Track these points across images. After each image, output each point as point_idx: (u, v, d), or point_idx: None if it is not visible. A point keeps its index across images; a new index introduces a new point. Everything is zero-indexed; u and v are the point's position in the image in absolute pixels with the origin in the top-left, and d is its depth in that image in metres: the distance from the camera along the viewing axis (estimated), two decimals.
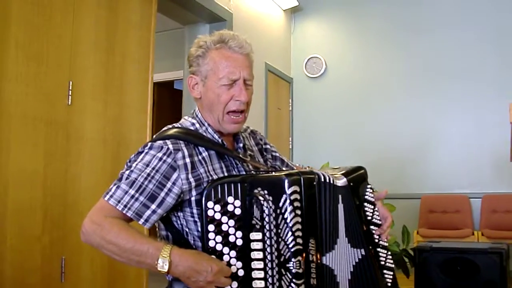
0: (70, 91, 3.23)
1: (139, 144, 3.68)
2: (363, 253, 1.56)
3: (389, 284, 1.63)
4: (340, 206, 1.51)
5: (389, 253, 1.65)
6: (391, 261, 1.65)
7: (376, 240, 1.62)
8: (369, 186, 1.66)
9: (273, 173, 1.45)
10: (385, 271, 1.63)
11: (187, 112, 5.17)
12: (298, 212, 1.36)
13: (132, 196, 1.40)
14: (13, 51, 2.89)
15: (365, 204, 1.63)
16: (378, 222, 1.65)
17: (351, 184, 1.57)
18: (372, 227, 1.63)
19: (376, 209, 1.65)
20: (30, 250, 2.95)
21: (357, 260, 1.54)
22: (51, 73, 3.12)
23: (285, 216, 1.35)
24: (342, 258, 1.49)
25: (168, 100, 7.12)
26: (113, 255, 1.37)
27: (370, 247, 1.59)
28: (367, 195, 1.64)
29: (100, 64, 3.51)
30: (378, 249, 1.62)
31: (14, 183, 2.86)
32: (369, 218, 1.62)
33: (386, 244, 1.65)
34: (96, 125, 3.46)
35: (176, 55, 6.31)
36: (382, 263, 1.62)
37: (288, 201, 1.35)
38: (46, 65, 3.09)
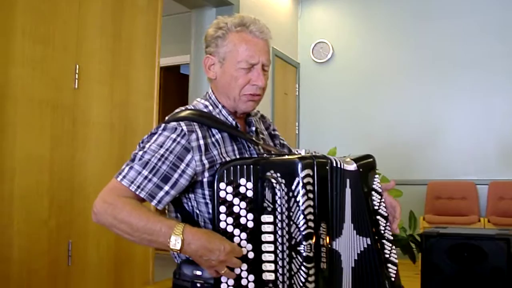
0: (76, 75, 3.22)
1: (145, 128, 3.69)
2: (369, 242, 1.53)
3: (393, 279, 1.59)
4: (348, 191, 1.49)
5: (394, 247, 1.62)
6: (395, 256, 1.61)
7: (382, 231, 1.59)
8: (376, 176, 1.63)
9: (286, 156, 1.43)
10: (389, 265, 1.59)
11: (194, 97, 5.17)
12: (311, 195, 1.35)
13: (146, 177, 1.39)
14: (20, 35, 2.88)
15: (373, 193, 1.60)
16: (384, 213, 1.62)
17: (361, 170, 1.55)
18: (378, 217, 1.60)
19: (383, 200, 1.62)
20: (37, 234, 2.96)
21: (362, 249, 1.52)
22: (57, 57, 3.10)
23: (297, 199, 1.33)
24: (348, 244, 1.48)
25: (174, 85, 7.10)
26: (125, 235, 1.36)
27: (376, 237, 1.56)
28: (375, 184, 1.62)
29: (107, 48, 3.49)
30: (384, 241, 1.59)
31: (20, 168, 2.86)
32: (376, 207, 1.60)
33: (391, 237, 1.61)
34: (103, 109, 3.45)
35: (183, 39, 6.28)
36: (387, 256, 1.59)
37: (301, 184, 1.34)
38: (53, 49, 3.07)
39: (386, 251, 1.59)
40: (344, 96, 6.79)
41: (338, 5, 6.97)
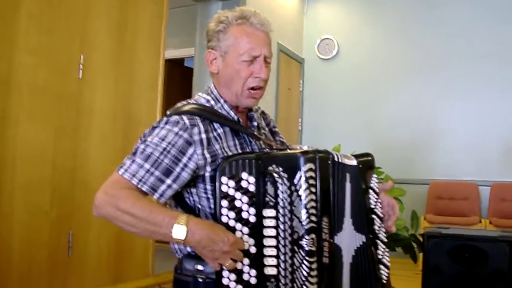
0: (81, 65, 3.21)
1: (149, 120, 3.68)
2: (364, 240, 1.53)
3: (384, 281, 1.57)
4: (348, 185, 1.49)
5: (387, 250, 1.61)
6: (388, 259, 1.60)
7: (377, 231, 1.58)
8: (374, 175, 1.62)
9: (288, 151, 1.43)
10: (381, 267, 1.58)
11: (198, 90, 5.16)
12: (313, 189, 1.34)
13: (148, 171, 1.38)
14: (25, 22, 2.86)
15: (370, 191, 1.59)
16: (380, 214, 1.61)
17: (360, 166, 1.55)
18: (374, 216, 1.58)
19: (380, 200, 1.62)
20: (38, 224, 2.95)
21: (358, 246, 1.52)
22: (62, 46, 3.09)
23: (300, 194, 1.33)
24: (347, 239, 1.48)
25: (178, 78, 7.09)
26: (128, 226, 1.35)
27: (371, 236, 1.55)
28: (372, 183, 1.61)
29: (112, 38, 3.48)
30: (378, 241, 1.58)
31: (22, 156, 2.85)
32: (372, 206, 1.59)
33: (385, 239, 1.61)
34: (107, 100, 3.44)
35: (188, 32, 6.26)
36: (380, 257, 1.58)
37: (303, 178, 1.33)
38: (58, 38, 3.06)
39: (379, 251, 1.58)
40: (348, 93, 6.77)
41: (344, 1, 6.95)
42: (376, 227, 1.58)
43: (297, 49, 6.94)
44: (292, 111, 6.82)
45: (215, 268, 1.33)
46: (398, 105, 6.44)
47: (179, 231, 1.29)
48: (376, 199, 1.60)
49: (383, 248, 1.59)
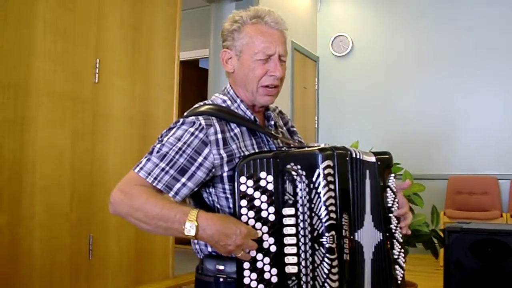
0: (97, 69, 3.23)
1: (165, 122, 3.70)
2: (381, 237, 1.52)
3: (399, 282, 1.57)
4: (367, 182, 1.49)
5: (403, 250, 1.60)
6: (404, 260, 1.59)
7: (393, 231, 1.58)
8: (392, 175, 1.61)
9: (306, 148, 1.43)
10: (397, 267, 1.57)
11: (213, 91, 5.17)
12: (332, 186, 1.34)
13: (163, 169, 1.40)
14: (41, 28, 2.89)
15: (388, 190, 1.59)
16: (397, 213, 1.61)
17: (379, 163, 1.54)
18: (391, 215, 1.58)
19: (397, 200, 1.61)
20: (58, 227, 2.98)
21: (377, 242, 1.51)
22: (78, 51, 3.12)
23: (319, 191, 1.32)
24: (368, 236, 1.47)
25: (193, 79, 7.11)
26: (141, 223, 1.36)
27: (387, 234, 1.55)
28: (390, 182, 1.60)
29: (127, 41, 3.50)
30: (394, 241, 1.57)
31: (42, 161, 2.88)
32: (389, 205, 1.58)
33: (401, 240, 1.59)
34: (123, 103, 3.46)
35: (202, 33, 6.29)
36: (395, 257, 1.57)
37: (321, 175, 1.33)
38: (73, 43, 3.09)
39: (395, 251, 1.57)
40: (363, 89, 6.74)
41: None
42: (393, 226, 1.57)
43: (312, 47, 6.92)
44: (308, 109, 6.81)
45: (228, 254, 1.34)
46: (414, 100, 6.39)
47: (190, 228, 1.29)
48: (394, 198, 1.59)
49: (399, 248, 1.58)
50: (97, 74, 3.24)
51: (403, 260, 1.59)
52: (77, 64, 3.11)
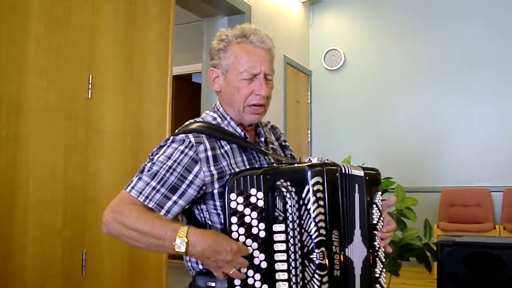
0: (89, 85, 3.24)
1: (158, 137, 3.70)
2: (366, 253, 1.53)
3: None
4: (357, 196, 1.49)
5: (384, 270, 1.60)
6: (384, 280, 1.59)
7: (377, 248, 1.57)
8: (379, 193, 1.61)
9: (296, 165, 1.44)
10: (377, 286, 1.57)
11: (206, 105, 5.19)
12: (321, 203, 1.35)
13: (154, 188, 1.41)
14: (34, 45, 2.90)
15: (374, 206, 1.59)
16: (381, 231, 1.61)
17: (367, 178, 1.54)
18: (376, 232, 1.58)
19: (382, 218, 1.61)
20: (51, 243, 2.97)
21: (363, 258, 1.51)
22: (71, 67, 3.12)
23: (308, 207, 1.34)
24: (357, 251, 1.48)
25: (186, 93, 7.13)
26: (133, 242, 1.37)
27: (371, 251, 1.54)
28: (376, 199, 1.60)
29: (119, 57, 3.51)
30: (376, 259, 1.57)
31: (34, 177, 2.88)
32: (374, 222, 1.58)
33: (383, 259, 1.60)
34: (116, 118, 3.46)
35: (195, 48, 6.31)
36: (377, 275, 1.57)
37: (311, 191, 1.34)
38: (66, 59, 3.09)
39: (377, 270, 1.57)
40: (356, 103, 6.77)
41: (349, 12, 6.98)
42: (376, 244, 1.57)
43: (304, 61, 6.96)
44: (301, 123, 6.83)
45: (219, 277, 1.35)
46: (406, 113, 6.43)
47: (180, 244, 1.30)
48: (379, 216, 1.59)
49: (381, 267, 1.58)
50: (89, 89, 3.24)
51: (384, 281, 1.58)
52: (69, 80, 3.12)
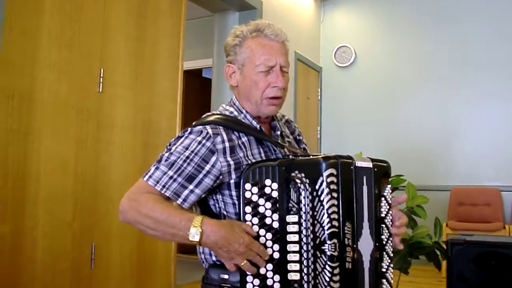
0: (101, 79, 3.25)
1: (168, 132, 3.71)
2: (372, 247, 1.49)
3: None
4: (365, 188, 1.48)
5: (391, 264, 1.56)
6: (391, 276, 1.55)
7: (384, 242, 1.54)
8: (389, 186, 1.58)
9: (311, 157, 1.43)
10: (384, 281, 1.53)
11: (216, 100, 5.19)
12: (335, 195, 1.34)
13: (171, 177, 1.43)
14: (46, 39, 2.91)
15: (382, 199, 1.55)
16: (389, 226, 1.56)
17: (376, 169, 1.51)
18: (383, 226, 1.54)
19: (391, 212, 1.57)
20: (61, 236, 2.98)
21: (371, 252, 1.48)
22: (82, 61, 3.14)
23: (321, 199, 1.33)
24: (365, 244, 1.46)
25: (196, 88, 7.14)
26: (149, 230, 1.39)
27: (377, 245, 1.50)
28: (386, 192, 1.56)
29: (131, 51, 3.52)
30: (384, 253, 1.54)
31: (45, 170, 2.89)
32: (382, 215, 1.54)
33: (391, 254, 1.56)
34: (127, 112, 3.47)
35: (205, 43, 6.31)
36: (384, 270, 1.53)
37: (324, 183, 1.34)
38: (78, 53, 3.10)
39: (384, 264, 1.54)
40: (366, 100, 6.75)
41: (360, 9, 6.95)
42: (384, 238, 1.54)
43: (315, 58, 6.95)
44: (311, 119, 6.82)
45: (230, 269, 1.36)
46: (416, 111, 6.40)
47: (194, 234, 1.32)
48: (388, 209, 1.56)
49: (388, 262, 1.55)
50: (101, 83, 3.25)
51: (391, 276, 1.55)
52: (81, 74, 3.13)
